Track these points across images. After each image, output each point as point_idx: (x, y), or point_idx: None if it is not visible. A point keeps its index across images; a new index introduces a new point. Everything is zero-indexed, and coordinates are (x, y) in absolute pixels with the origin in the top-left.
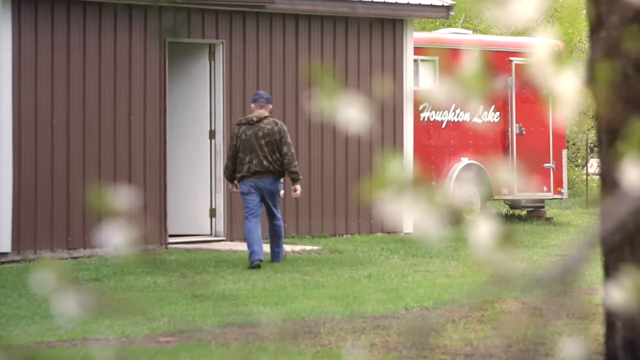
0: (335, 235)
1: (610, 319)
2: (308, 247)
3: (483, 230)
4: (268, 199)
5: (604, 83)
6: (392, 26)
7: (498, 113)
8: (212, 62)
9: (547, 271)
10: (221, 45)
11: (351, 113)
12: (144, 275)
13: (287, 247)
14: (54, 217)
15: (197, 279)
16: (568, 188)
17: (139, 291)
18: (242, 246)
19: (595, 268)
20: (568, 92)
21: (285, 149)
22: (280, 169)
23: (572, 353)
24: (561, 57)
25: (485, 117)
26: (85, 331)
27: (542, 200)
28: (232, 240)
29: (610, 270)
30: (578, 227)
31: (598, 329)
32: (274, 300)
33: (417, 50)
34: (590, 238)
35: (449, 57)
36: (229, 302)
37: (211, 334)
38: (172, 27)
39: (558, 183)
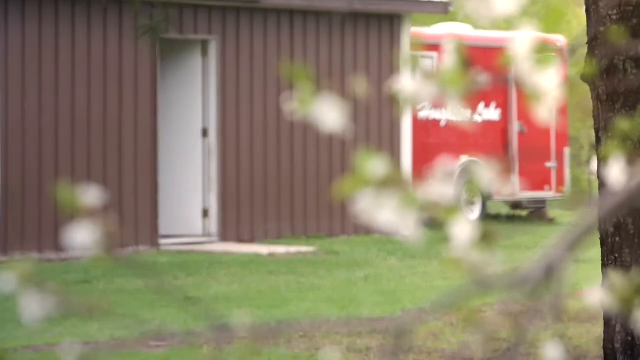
0: (331, 236)
1: (610, 321)
2: (304, 249)
3: (463, 230)
4: None
5: (601, 79)
6: (389, 22)
7: (499, 111)
8: (205, 58)
9: (527, 271)
10: (214, 42)
11: (336, 116)
12: (134, 277)
13: (282, 249)
14: (41, 218)
15: (189, 282)
16: (571, 187)
17: (130, 294)
18: (235, 247)
19: (594, 269)
20: (550, 89)
21: None
22: None
23: (554, 355)
24: (549, 52)
25: (486, 114)
26: (73, 335)
27: (544, 201)
28: (225, 241)
29: (609, 271)
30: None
31: (599, 331)
32: (268, 302)
33: (416, 46)
34: (572, 237)
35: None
36: (222, 304)
37: (203, 337)
38: (155, 25)
39: (560, 182)
